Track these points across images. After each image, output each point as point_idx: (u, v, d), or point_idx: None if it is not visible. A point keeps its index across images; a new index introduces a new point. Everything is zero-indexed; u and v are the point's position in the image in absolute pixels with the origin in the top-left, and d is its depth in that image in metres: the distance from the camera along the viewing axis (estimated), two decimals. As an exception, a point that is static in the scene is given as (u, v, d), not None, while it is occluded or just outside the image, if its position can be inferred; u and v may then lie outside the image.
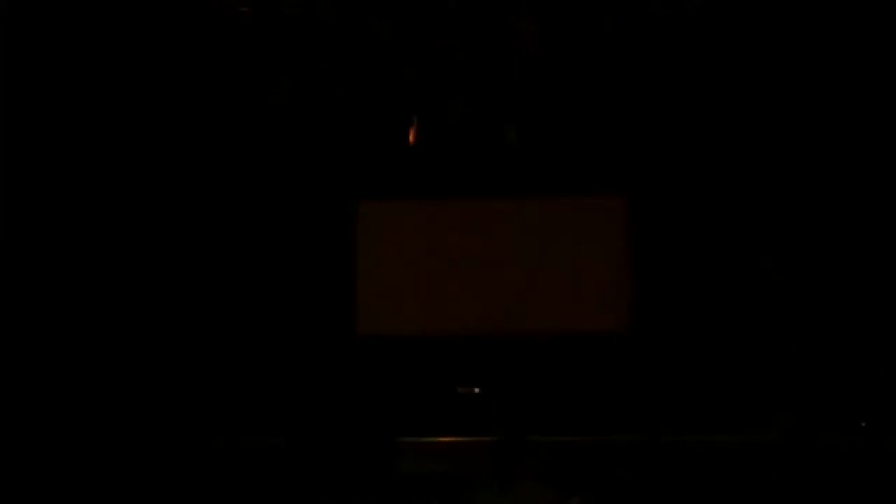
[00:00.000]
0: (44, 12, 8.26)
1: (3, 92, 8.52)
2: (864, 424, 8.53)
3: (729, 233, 9.96)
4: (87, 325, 8.53)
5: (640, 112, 10.03)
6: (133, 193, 9.17)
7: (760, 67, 9.20)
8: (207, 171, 9.88)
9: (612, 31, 8.48)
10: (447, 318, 11.03)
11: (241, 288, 9.23)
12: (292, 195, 10.64)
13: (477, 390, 9.82)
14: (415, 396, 10.03)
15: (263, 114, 9.78)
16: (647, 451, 7.88)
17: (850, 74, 9.03)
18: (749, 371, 8.42)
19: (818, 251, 9.29)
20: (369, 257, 11.27)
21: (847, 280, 9.26)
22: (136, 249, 9.09)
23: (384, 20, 8.45)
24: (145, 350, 8.79)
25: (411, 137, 9.89)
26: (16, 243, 8.59)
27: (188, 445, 7.77)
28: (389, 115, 9.93)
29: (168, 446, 7.48)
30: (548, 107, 9.94)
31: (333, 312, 10.89)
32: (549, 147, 10.45)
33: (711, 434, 8.23)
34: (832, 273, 9.28)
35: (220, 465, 7.64)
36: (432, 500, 6.74)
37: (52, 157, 8.63)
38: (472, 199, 11.16)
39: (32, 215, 8.75)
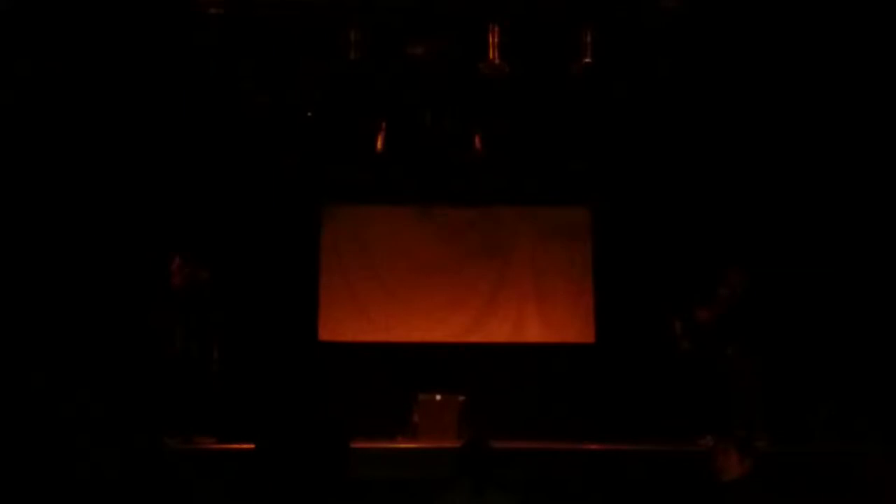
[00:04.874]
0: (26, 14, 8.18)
1: None
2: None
3: (694, 243, 10.06)
4: (57, 328, 8.45)
5: (605, 124, 10.10)
6: (104, 194, 9.10)
7: (721, 86, 9.32)
8: (172, 175, 9.84)
9: (581, 50, 8.56)
10: (410, 325, 11.05)
11: (200, 290, 9.15)
12: (256, 199, 10.61)
13: (439, 397, 9.81)
14: (376, 403, 10.01)
15: (229, 118, 9.74)
16: (607, 459, 7.92)
17: (802, 96, 9.20)
18: (714, 380, 8.49)
19: (778, 264, 9.40)
20: (332, 263, 11.27)
21: (805, 291, 9.39)
22: (106, 250, 9.02)
23: (357, 30, 8.45)
24: (107, 351, 8.71)
25: (379, 144, 9.88)
26: None
27: (145, 448, 7.70)
28: (358, 121, 9.92)
29: (126, 449, 7.41)
30: (514, 119, 9.98)
31: (295, 318, 10.86)
32: (515, 158, 10.49)
33: (672, 443, 8.29)
34: (792, 285, 9.40)
35: (176, 468, 7.58)
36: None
37: (22, 155, 8.55)
38: (437, 206, 11.21)
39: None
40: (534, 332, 10.94)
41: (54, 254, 8.76)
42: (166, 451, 7.87)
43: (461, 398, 9.75)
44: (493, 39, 8.50)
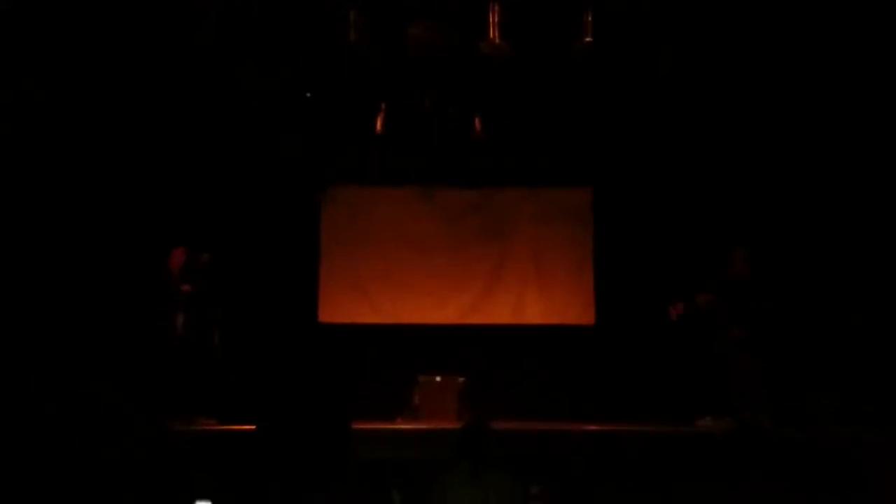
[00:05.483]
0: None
1: None
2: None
3: (695, 225, 10.05)
4: (66, 319, 8.48)
5: (607, 105, 10.07)
6: (104, 181, 9.11)
7: (724, 68, 9.30)
8: (172, 160, 9.83)
9: (582, 30, 8.54)
10: (411, 307, 11.04)
11: (201, 274, 9.15)
12: (256, 182, 10.58)
13: (439, 379, 9.83)
14: (376, 384, 10.01)
15: (229, 100, 9.72)
16: (607, 440, 7.94)
17: (808, 76, 9.18)
18: (714, 362, 8.50)
19: (782, 248, 9.39)
20: (333, 244, 11.26)
21: (809, 275, 9.38)
22: (107, 238, 9.04)
23: (357, 11, 8.42)
24: (105, 336, 8.72)
25: (378, 126, 9.85)
26: None
27: (147, 431, 7.72)
28: (358, 103, 9.89)
29: (128, 432, 7.42)
30: (515, 100, 9.95)
31: (295, 300, 10.85)
32: (515, 139, 10.46)
33: (672, 424, 8.30)
34: (791, 268, 9.39)
35: (177, 449, 7.60)
36: (393, 489, 6.73)
37: (21, 143, 8.56)
38: (438, 188, 11.19)
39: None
40: (534, 313, 10.94)
41: (56, 244, 8.78)
42: (169, 434, 7.89)
43: (461, 379, 9.77)
44: (493, 19, 8.46)
